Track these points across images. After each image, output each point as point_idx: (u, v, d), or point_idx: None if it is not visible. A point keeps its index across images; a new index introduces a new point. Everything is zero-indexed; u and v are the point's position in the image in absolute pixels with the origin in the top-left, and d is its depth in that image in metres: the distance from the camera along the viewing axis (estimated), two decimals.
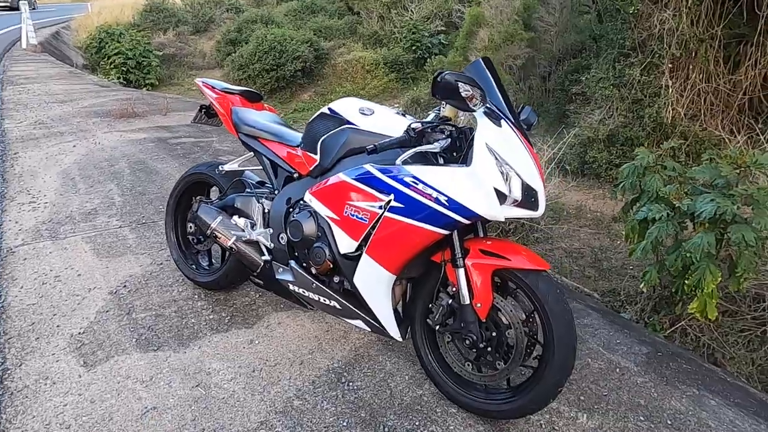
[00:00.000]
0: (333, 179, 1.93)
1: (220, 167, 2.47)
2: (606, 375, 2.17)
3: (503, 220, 1.68)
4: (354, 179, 1.85)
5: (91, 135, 5.64)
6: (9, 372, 2.07)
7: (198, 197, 2.60)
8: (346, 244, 1.90)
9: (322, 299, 2.06)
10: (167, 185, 4.08)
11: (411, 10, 11.23)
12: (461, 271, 1.77)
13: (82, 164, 4.67)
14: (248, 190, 2.40)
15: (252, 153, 2.40)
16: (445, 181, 1.67)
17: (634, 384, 2.13)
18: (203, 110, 2.61)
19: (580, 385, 2.09)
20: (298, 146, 2.19)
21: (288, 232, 2.09)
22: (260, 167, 2.38)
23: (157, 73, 11.71)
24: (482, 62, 1.75)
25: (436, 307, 1.87)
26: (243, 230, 2.27)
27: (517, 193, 1.63)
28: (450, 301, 1.84)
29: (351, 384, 2.06)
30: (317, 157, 2.07)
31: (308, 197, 2.01)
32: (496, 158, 1.62)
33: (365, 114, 1.96)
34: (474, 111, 1.64)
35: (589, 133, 4.91)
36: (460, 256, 1.77)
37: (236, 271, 2.48)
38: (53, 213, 3.62)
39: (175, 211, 2.73)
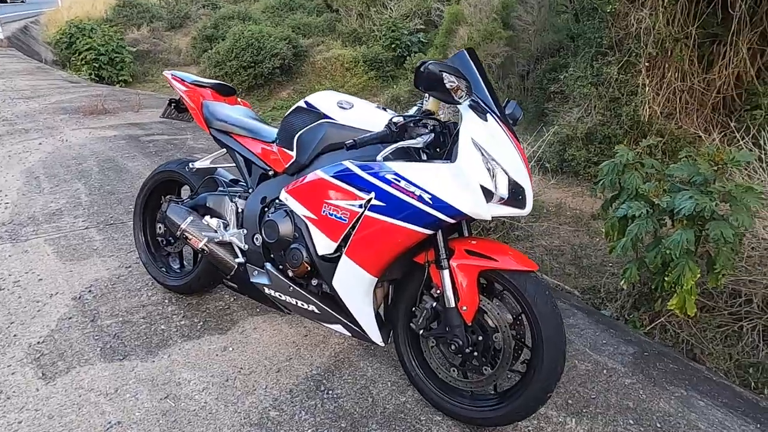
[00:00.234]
0: (310, 176, 1.83)
1: (190, 164, 2.34)
2: (593, 377, 2.12)
3: (490, 219, 1.60)
4: (332, 176, 1.75)
5: (58, 132, 5.40)
6: None
7: (168, 196, 2.46)
8: (324, 245, 1.79)
9: (299, 303, 1.96)
10: (138, 184, 3.90)
11: (390, 8, 11.15)
12: (446, 273, 1.68)
13: (47, 163, 4.46)
14: (221, 188, 2.28)
15: (224, 149, 2.28)
16: (428, 178, 1.58)
17: (622, 386, 2.08)
18: (173, 104, 2.47)
19: (568, 388, 2.03)
20: (273, 142, 2.08)
21: (263, 232, 1.98)
22: (233, 164, 2.26)
23: (131, 70, 11.38)
24: (467, 53, 1.67)
25: (420, 310, 1.78)
26: (215, 231, 2.14)
27: (503, 191, 1.55)
28: (434, 304, 1.75)
29: (331, 392, 1.96)
30: (293, 153, 1.96)
31: (284, 196, 1.91)
32: (483, 154, 1.54)
33: (344, 108, 1.86)
34: (459, 104, 1.55)
35: (568, 131, 4.92)
36: (444, 256, 1.68)
37: (209, 274, 2.35)
38: (14, 214, 3.42)
39: (144, 211, 2.59)
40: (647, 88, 4.49)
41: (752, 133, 3.56)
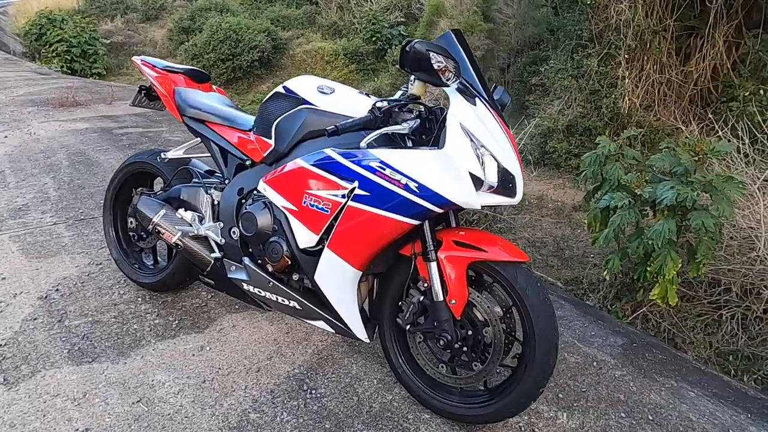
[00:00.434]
0: (290, 166, 1.73)
1: (162, 155, 2.22)
2: (583, 369, 2.08)
3: (479, 208, 1.53)
4: (313, 165, 1.65)
5: (25, 125, 5.16)
6: None
7: (139, 189, 2.33)
8: (305, 237, 1.70)
9: (280, 299, 1.86)
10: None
11: (370, 1, 11.02)
12: (434, 265, 1.61)
13: (13, 156, 4.25)
14: (195, 179, 2.16)
15: (199, 139, 2.16)
16: (415, 165, 1.50)
17: (612, 378, 2.04)
18: (143, 91, 2.33)
19: (558, 382, 1.98)
20: (250, 130, 1.98)
21: (240, 225, 1.88)
22: (208, 154, 2.14)
23: (105, 62, 11.06)
24: (453, 35, 1.59)
25: (407, 304, 1.71)
26: (190, 225, 2.03)
27: (493, 178, 1.48)
28: (421, 298, 1.68)
29: (314, 391, 1.87)
30: (272, 141, 1.86)
31: (262, 186, 1.81)
32: (472, 140, 1.47)
33: (324, 93, 1.76)
34: (447, 86, 1.47)
35: (549, 124, 4.92)
36: (432, 248, 1.61)
37: (184, 270, 2.24)
38: None
39: (114, 205, 2.46)
40: (627, 80, 4.51)
41: (731, 124, 3.59)
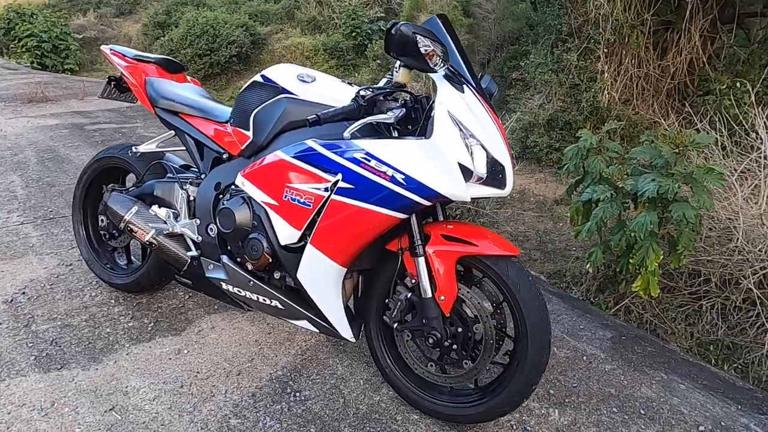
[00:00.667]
0: (269, 158, 1.64)
1: (134, 149, 2.10)
2: (574, 364, 2.04)
3: (469, 200, 1.46)
4: (294, 157, 1.57)
5: None
6: None
7: (110, 185, 2.22)
8: (286, 233, 1.62)
9: (261, 299, 1.78)
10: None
11: None
12: (421, 261, 1.54)
13: None
14: (169, 174, 2.05)
15: (173, 131, 2.05)
16: (401, 156, 1.43)
17: (602, 372, 2.00)
18: (113, 83, 2.22)
19: (549, 377, 1.94)
20: (227, 122, 1.88)
21: (218, 222, 1.79)
22: (183, 148, 2.04)
23: (77, 58, 10.75)
24: (438, 20, 1.52)
25: (394, 302, 1.64)
26: (164, 222, 1.93)
27: (481, 169, 1.42)
28: (409, 294, 1.62)
29: (298, 394, 1.80)
30: (250, 133, 1.77)
31: (240, 180, 1.72)
32: (460, 128, 1.40)
33: (305, 81, 1.68)
34: (434, 71, 1.41)
35: (530, 118, 4.93)
36: (419, 243, 1.54)
37: (160, 270, 2.14)
38: None
39: (84, 202, 2.33)
40: (606, 75, 4.53)
41: (709, 116, 3.62)
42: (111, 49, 2.17)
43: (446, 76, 1.46)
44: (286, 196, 1.60)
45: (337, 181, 1.50)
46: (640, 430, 1.73)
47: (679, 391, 1.93)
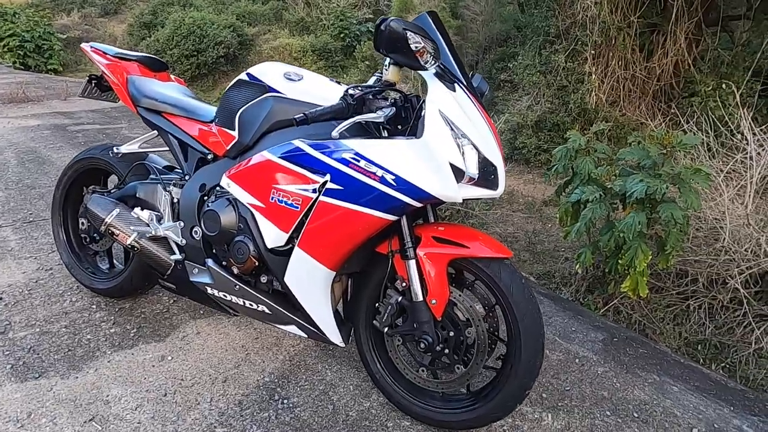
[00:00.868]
0: (255, 159, 1.60)
1: (115, 149, 2.04)
2: (566, 367, 2.02)
3: (461, 201, 1.43)
4: (281, 158, 1.53)
5: None
6: None
7: (91, 187, 2.15)
8: (273, 236, 1.58)
9: (247, 303, 1.73)
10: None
11: None
12: (412, 263, 1.51)
13: None
14: (153, 176, 1.99)
15: (156, 132, 2.00)
16: (391, 156, 1.39)
17: (595, 375, 1.98)
18: (93, 81, 2.15)
19: (541, 381, 1.92)
20: (212, 122, 1.83)
21: (202, 225, 1.73)
22: (166, 149, 1.98)
23: (61, 58, 10.58)
24: (428, 16, 1.48)
25: (384, 305, 1.60)
26: (147, 225, 1.87)
27: (473, 169, 1.39)
28: (400, 298, 1.58)
29: (286, 401, 1.75)
30: (235, 133, 1.72)
31: (226, 182, 1.67)
32: (452, 128, 1.37)
33: (292, 79, 1.64)
34: (425, 69, 1.37)
35: (518, 119, 4.94)
36: (410, 245, 1.51)
37: (143, 274, 2.08)
38: None
39: (64, 204, 2.26)
40: (593, 76, 4.56)
41: (696, 117, 3.64)
42: (92, 47, 2.11)
43: (437, 75, 1.43)
44: (272, 198, 1.55)
45: (326, 182, 1.46)
46: None
47: (671, 393, 1.91)
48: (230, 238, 1.67)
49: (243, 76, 1.71)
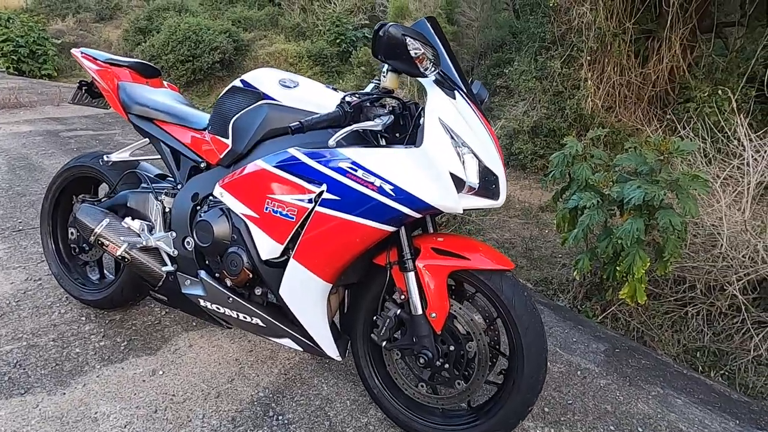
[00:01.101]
0: (249, 168, 1.55)
1: (106, 157, 1.99)
2: (568, 380, 1.97)
3: (461, 212, 1.39)
4: (276, 167, 1.48)
5: None
6: None
7: (81, 196, 2.10)
8: (268, 248, 1.53)
9: (241, 316, 1.68)
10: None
11: (334, 2, 10.88)
12: (411, 275, 1.46)
13: None
14: (144, 185, 1.94)
15: (147, 139, 1.95)
16: (390, 165, 1.35)
17: (598, 387, 1.94)
18: (84, 88, 2.10)
19: (543, 394, 1.87)
20: (204, 129, 1.79)
21: (195, 235, 1.68)
22: (158, 157, 1.93)
23: (55, 63, 10.51)
24: (427, 22, 1.45)
25: (382, 319, 1.55)
26: (138, 235, 1.82)
27: (474, 178, 1.35)
28: (398, 311, 1.53)
29: (281, 417, 1.69)
30: (229, 141, 1.68)
31: (219, 191, 1.62)
32: (452, 136, 1.33)
33: (287, 86, 1.59)
34: (425, 76, 1.33)
35: (514, 125, 4.94)
36: (409, 257, 1.46)
37: (134, 286, 2.02)
38: None
39: (53, 213, 2.21)
40: (589, 82, 4.56)
41: (692, 123, 3.63)
42: (82, 53, 2.06)
43: (437, 81, 1.39)
44: (267, 208, 1.51)
45: (322, 192, 1.41)
46: None
47: (676, 407, 1.87)
48: (223, 249, 1.62)
49: (237, 82, 1.67)
